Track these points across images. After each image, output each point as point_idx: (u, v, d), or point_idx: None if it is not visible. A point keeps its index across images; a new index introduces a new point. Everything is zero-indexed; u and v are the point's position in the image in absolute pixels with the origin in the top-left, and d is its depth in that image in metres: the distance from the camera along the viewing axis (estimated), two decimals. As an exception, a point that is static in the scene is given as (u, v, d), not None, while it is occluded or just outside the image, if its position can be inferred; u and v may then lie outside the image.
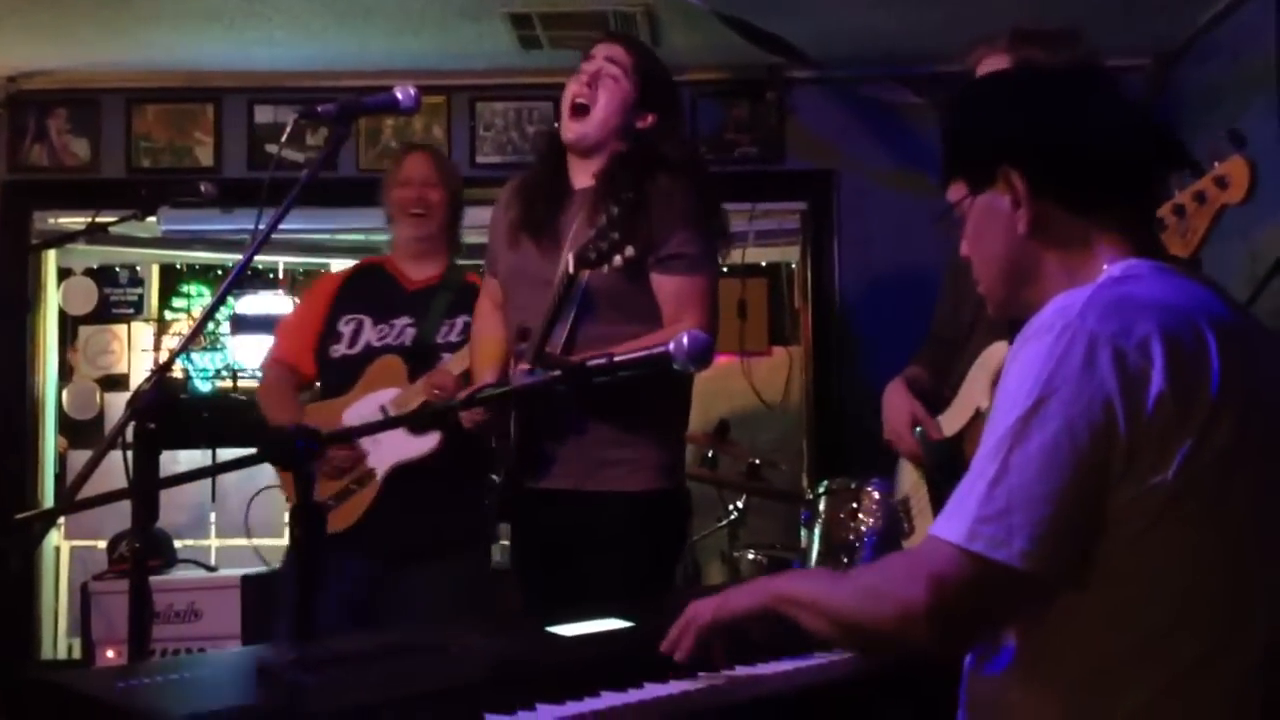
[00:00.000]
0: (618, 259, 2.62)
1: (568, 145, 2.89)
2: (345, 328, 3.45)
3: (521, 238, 2.90)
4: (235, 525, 5.41)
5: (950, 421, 2.55)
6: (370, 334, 3.43)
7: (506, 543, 3.79)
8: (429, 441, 3.25)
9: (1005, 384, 1.40)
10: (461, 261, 3.68)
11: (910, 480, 2.72)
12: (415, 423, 3.25)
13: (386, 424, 3.11)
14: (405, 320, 3.42)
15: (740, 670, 1.74)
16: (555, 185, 2.90)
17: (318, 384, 3.56)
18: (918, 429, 2.61)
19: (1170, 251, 2.10)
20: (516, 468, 2.85)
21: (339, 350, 3.43)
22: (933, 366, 2.75)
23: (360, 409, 3.34)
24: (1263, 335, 1.50)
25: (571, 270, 2.67)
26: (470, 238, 5.23)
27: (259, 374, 5.60)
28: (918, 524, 2.68)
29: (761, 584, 1.62)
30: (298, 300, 5.61)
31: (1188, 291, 1.44)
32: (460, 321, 3.38)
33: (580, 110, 2.84)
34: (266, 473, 4.11)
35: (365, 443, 3.32)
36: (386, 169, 3.65)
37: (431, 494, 3.28)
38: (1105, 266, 1.48)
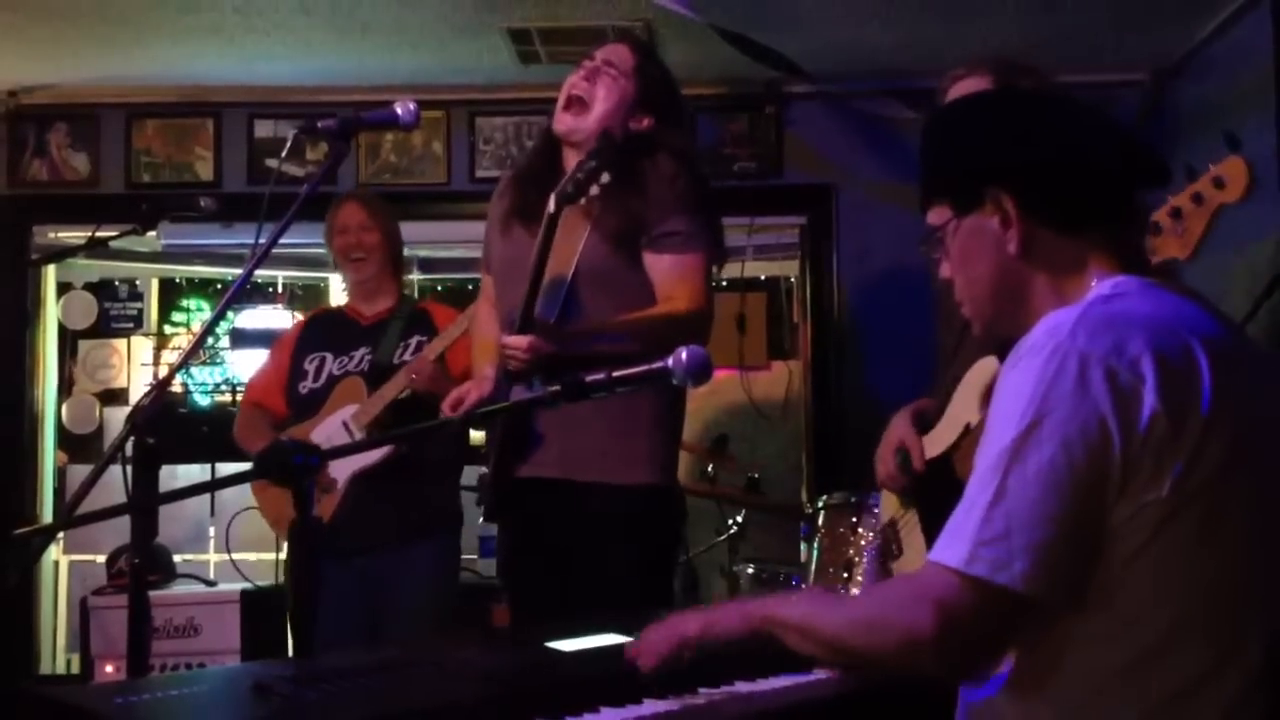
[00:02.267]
0: (595, 188, 2.60)
1: (559, 137, 2.86)
2: (310, 366, 3.71)
3: (513, 226, 2.88)
4: (233, 541, 5.41)
5: (938, 438, 2.54)
6: (332, 366, 3.69)
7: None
8: (379, 450, 3.46)
9: (997, 405, 1.40)
10: (462, 275, 3.75)
11: (896, 503, 2.70)
12: (412, 440, 3.42)
13: (385, 440, 3.33)
14: (363, 350, 3.67)
15: (740, 686, 1.73)
16: (548, 174, 2.85)
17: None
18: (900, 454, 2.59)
19: (1169, 254, 2.11)
20: (504, 458, 2.80)
21: (306, 386, 3.69)
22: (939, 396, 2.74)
23: (325, 428, 3.58)
24: (1251, 351, 1.51)
25: (553, 209, 2.62)
26: (467, 252, 5.25)
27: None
28: (906, 546, 2.67)
29: (751, 607, 1.59)
30: (296, 315, 5.63)
31: (1176, 308, 1.44)
32: (414, 341, 3.64)
33: (575, 103, 2.82)
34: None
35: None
36: (327, 218, 3.81)
37: (389, 492, 3.51)
38: (1094, 284, 1.48)
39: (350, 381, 3.61)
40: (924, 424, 2.65)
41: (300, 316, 5.62)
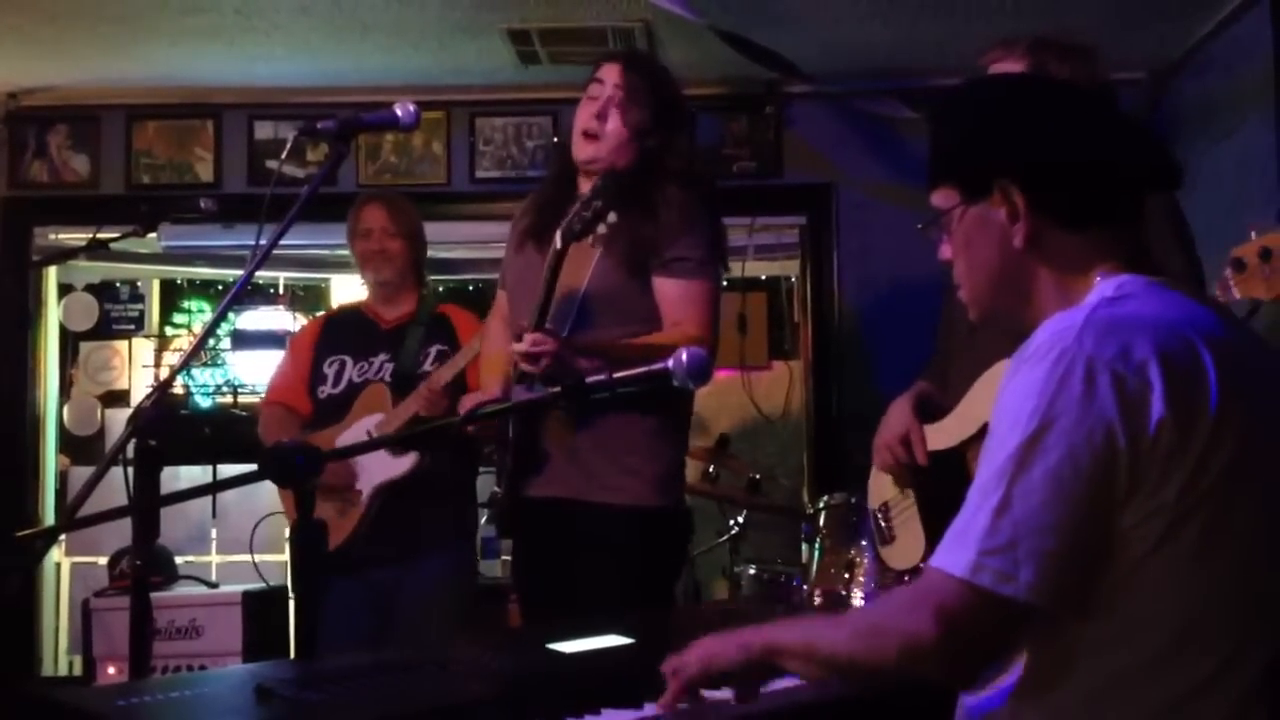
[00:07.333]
0: (601, 227, 2.66)
1: (579, 165, 2.91)
2: (329, 369, 3.68)
3: (526, 245, 2.94)
4: (236, 541, 5.41)
5: (949, 432, 2.53)
6: (351, 372, 3.66)
7: (507, 557, 3.90)
8: (406, 461, 3.46)
9: (1002, 409, 1.39)
10: (463, 276, 3.74)
11: (891, 488, 2.70)
12: (405, 442, 3.43)
13: (382, 441, 3.27)
14: (383, 357, 3.64)
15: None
16: (563, 196, 2.92)
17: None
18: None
19: (1252, 294, 2.08)
20: (515, 477, 2.85)
21: (325, 390, 3.66)
22: (938, 382, 2.74)
23: (349, 435, 3.54)
24: (1258, 349, 1.49)
25: (559, 246, 2.69)
26: (468, 253, 5.23)
27: (258, 392, 5.62)
28: (899, 532, 2.66)
29: (749, 636, 1.55)
30: (297, 316, 5.63)
31: (1182, 308, 1.43)
32: (434, 350, 3.61)
33: (589, 136, 2.87)
34: (269, 496, 4.14)
35: (355, 466, 3.51)
36: (349, 217, 3.76)
37: (414, 507, 3.48)
38: (1097, 282, 1.47)
39: (375, 389, 3.56)
40: (925, 410, 2.64)
41: (302, 318, 5.64)
